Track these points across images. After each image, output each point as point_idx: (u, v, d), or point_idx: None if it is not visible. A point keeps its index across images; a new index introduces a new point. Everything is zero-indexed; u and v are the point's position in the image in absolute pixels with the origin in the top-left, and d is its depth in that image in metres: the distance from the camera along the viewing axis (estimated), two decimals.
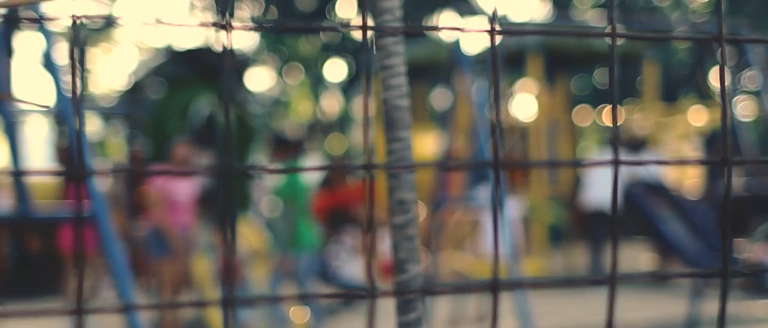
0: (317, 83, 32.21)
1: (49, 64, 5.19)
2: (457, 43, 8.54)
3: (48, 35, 5.27)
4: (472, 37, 10.44)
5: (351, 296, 1.19)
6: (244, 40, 30.05)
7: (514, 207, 8.79)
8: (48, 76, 5.23)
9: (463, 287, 1.19)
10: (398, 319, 1.67)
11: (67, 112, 5.15)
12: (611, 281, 1.05)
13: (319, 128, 33.17)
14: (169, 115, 10.12)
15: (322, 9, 28.16)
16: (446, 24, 26.78)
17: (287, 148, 8.69)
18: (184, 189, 8.75)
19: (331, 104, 33.50)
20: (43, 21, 5.21)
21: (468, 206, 9.46)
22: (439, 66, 15.34)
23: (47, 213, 6.42)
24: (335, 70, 31.09)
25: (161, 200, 8.63)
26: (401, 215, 1.64)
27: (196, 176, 9.00)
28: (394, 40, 1.66)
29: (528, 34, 1.08)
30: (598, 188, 13.08)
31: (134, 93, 12.31)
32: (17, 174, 5.17)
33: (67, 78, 5.25)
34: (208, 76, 12.12)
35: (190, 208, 8.75)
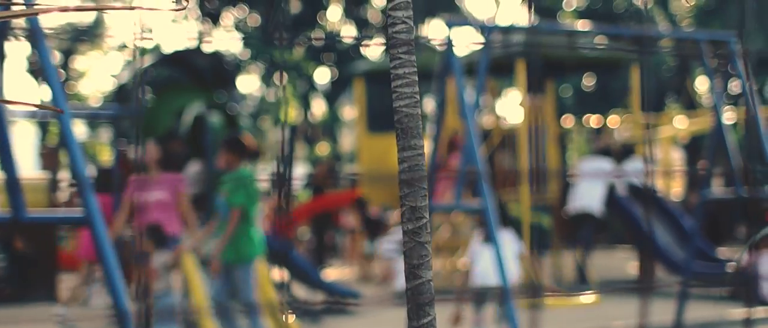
0: (305, 88, 32.22)
1: (46, 70, 5.20)
2: (449, 49, 8.57)
3: (42, 43, 5.27)
4: (461, 43, 10.45)
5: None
6: (231, 44, 30.05)
7: (510, 241, 8.76)
8: (45, 82, 5.25)
9: (483, 293, 1.22)
10: (409, 324, 1.70)
11: (65, 117, 5.16)
12: (645, 288, 1.08)
13: (305, 132, 33.17)
14: (161, 118, 10.12)
15: (310, 14, 28.17)
16: (437, 32, 26.79)
17: (242, 154, 8.43)
18: (159, 190, 8.60)
19: (318, 109, 33.52)
20: (37, 31, 5.22)
21: (457, 214, 9.47)
22: (428, 72, 15.38)
23: (40, 217, 6.44)
24: (321, 75, 31.15)
25: (127, 207, 8.55)
26: (414, 222, 1.67)
27: (177, 176, 8.87)
28: (406, 50, 1.69)
29: (572, 48, 1.11)
30: (586, 195, 13.13)
31: (122, 96, 12.33)
32: (13, 179, 5.17)
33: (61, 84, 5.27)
34: (200, 80, 12.14)
35: (168, 207, 8.56)
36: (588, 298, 11.96)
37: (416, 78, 1.78)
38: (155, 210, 8.57)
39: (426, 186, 1.75)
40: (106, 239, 5.32)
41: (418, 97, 1.78)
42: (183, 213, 8.61)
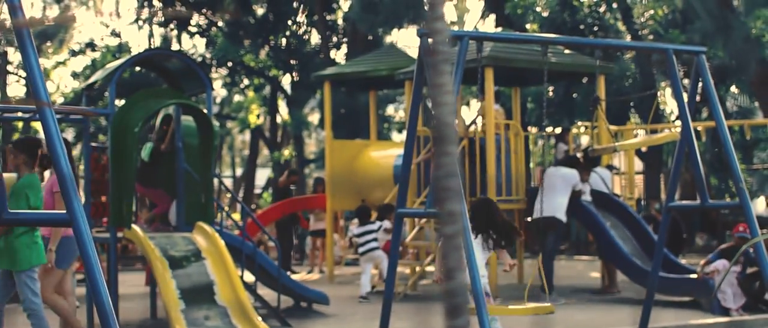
0: (270, 91, 32.17)
1: (30, 67, 5.20)
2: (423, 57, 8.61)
3: (28, 42, 5.26)
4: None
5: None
6: (198, 45, 30.00)
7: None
8: (28, 79, 5.25)
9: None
10: (445, 324, 1.76)
11: (49, 113, 5.16)
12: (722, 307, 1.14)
13: (269, 136, 33.12)
14: (134, 121, 10.07)
15: (280, 16, 28.12)
16: (409, 39, 26.77)
17: (35, 159, 8.14)
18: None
19: (283, 112, 33.49)
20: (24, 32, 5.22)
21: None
22: (399, 77, 15.46)
23: (22, 215, 6.46)
24: (285, 79, 31.14)
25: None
26: (451, 226, 1.73)
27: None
28: (443, 59, 1.75)
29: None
30: (551, 203, 13.22)
31: (89, 96, 12.24)
32: None
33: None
34: (174, 83, 12.11)
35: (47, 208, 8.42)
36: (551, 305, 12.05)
37: (452, 88, 1.85)
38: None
39: (462, 192, 1.82)
40: (89, 239, 5.32)
41: (454, 106, 1.84)
42: None
